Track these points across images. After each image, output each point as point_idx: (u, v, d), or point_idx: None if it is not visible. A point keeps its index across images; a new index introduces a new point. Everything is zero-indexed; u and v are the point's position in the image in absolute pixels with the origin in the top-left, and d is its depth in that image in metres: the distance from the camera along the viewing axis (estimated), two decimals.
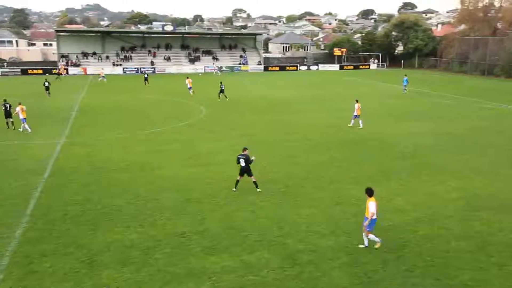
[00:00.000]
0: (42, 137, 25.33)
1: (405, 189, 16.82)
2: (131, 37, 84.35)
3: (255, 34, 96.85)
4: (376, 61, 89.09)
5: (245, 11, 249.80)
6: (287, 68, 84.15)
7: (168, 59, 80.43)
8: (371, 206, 11.65)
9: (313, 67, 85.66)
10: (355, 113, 28.12)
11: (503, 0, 72.81)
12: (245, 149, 16.46)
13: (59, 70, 65.12)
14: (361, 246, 12.09)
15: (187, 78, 46.15)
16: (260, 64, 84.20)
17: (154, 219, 13.94)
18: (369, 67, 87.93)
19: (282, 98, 42.10)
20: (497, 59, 66.42)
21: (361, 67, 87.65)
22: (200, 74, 70.95)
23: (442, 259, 11.46)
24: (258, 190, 16.26)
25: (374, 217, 11.72)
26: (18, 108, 27.11)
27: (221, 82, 41.32)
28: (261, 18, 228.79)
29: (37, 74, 66.88)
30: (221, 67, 76.21)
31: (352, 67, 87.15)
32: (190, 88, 44.22)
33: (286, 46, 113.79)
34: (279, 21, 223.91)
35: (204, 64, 79.45)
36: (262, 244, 12.29)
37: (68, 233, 12.94)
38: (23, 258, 11.45)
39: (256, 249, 11.99)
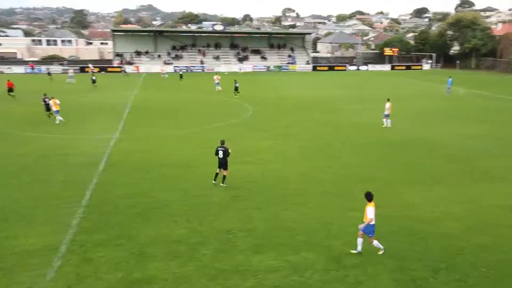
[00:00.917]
0: (96, 132, 26.49)
1: (455, 194, 16.15)
2: (182, 36, 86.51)
3: (304, 34, 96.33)
4: (430, 61, 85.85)
5: (294, 10, 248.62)
6: (336, 68, 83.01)
7: (217, 58, 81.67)
8: (370, 211, 11.26)
9: (363, 67, 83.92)
10: (386, 112, 27.65)
11: None
12: (223, 141, 16.96)
13: (92, 70, 64.56)
14: (353, 251, 11.69)
15: (216, 74, 48.26)
16: (309, 63, 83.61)
17: (201, 215, 14.21)
18: (422, 67, 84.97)
19: (328, 97, 41.86)
20: None
21: (413, 67, 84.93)
22: (226, 73, 69.65)
23: (498, 271, 10.87)
24: (222, 185, 16.63)
25: (373, 222, 11.31)
26: (51, 102, 29.27)
27: (235, 80, 43.35)
28: (310, 17, 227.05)
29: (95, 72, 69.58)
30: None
31: (403, 67, 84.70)
32: (217, 83, 46.34)
33: (335, 46, 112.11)
34: (329, 20, 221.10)
35: (253, 64, 79.98)
36: (308, 244, 12.21)
37: (120, 225, 13.49)
38: (79, 246, 12.06)
39: (301, 249, 11.93)
